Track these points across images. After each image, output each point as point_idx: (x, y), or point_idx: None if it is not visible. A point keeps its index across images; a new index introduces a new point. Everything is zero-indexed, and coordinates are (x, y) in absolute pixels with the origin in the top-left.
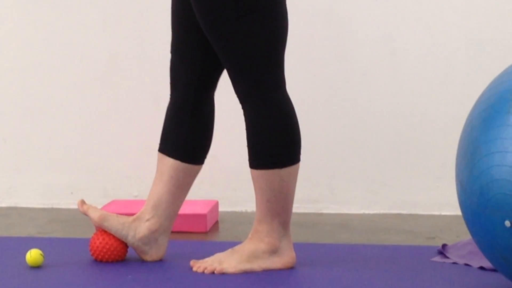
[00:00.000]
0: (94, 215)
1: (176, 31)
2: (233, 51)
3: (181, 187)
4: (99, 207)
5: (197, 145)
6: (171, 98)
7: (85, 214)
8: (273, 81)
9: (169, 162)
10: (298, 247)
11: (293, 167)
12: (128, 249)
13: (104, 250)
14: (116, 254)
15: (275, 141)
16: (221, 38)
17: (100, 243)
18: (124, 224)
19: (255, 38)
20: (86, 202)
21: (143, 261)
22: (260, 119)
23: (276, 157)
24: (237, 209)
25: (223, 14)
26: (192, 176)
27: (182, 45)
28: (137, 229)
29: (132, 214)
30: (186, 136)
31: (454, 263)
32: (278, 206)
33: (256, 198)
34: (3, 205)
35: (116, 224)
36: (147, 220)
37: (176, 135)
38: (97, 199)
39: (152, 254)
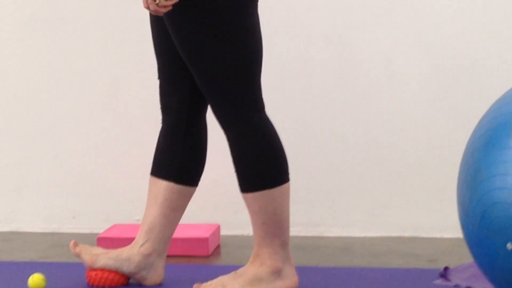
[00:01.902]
0: (86, 258)
1: (160, 57)
2: (208, 75)
3: (175, 209)
4: (101, 231)
5: (191, 166)
6: (163, 123)
7: (77, 256)
8: (251, 104)
9: (163, 184)
10: (300, 271)
11: (283, 187)
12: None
13: (103, 280)
14: (117, 282)
15: (260, 162)
16: (196, 62)
17: (96, 275)
18: (116, 258)
19: (228, 63)
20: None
21: (144, 287)
22: (243, 142)
23: (264, 178)
24: (239, 232)
25: (195, 42)
26: (186, 198)
27: (168, 71)
28: (131, 257)
29: (133, 239)
30: (180, 158)
31: (456, 286)
32: (274, 227)
33: (252, 222)
34: (5, 229)
35: (107, 261)
36: (141, 245)
37: (170, 157)
38: (99, 223)
39: (152, 278)
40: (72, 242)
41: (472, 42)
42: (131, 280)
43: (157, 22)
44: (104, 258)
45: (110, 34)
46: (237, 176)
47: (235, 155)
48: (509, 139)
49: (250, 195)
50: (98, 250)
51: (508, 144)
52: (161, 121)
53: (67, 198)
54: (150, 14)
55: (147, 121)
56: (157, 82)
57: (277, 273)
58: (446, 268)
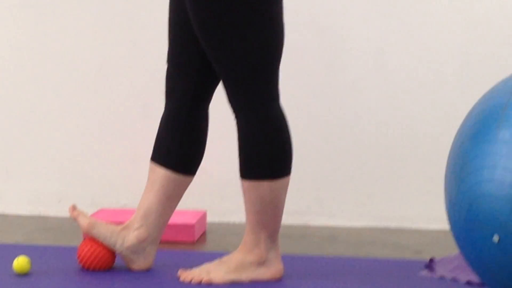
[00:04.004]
0: (83, 222)
1: (172, 41)
2: (229, 62)
3: (171, 197)
4: None
5: (189, 156)
6: (165, 108)
7: (75, 220)
8: (267, 93)
9: (161, 171)
10: (286, 259)
11: (283, 179)
12: (116, 258)
13: (92, 257)
14: (104, 262)
15: (266, 152)
16: (217, 48)
17: (88, 250)
18: (113, 232)
19: (251, 49)
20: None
21: (130, 270)
22: (253, 131)
23: (267, 168)
24: (225, 219)
25: (220, 25)
26: (183, 187)
27: (178, 55)
28: (126, 237)
29: (120, 223)
30: (179, 147)
31: (441, 277)
32: (267, 217)
33: (246, 209)
34: None
35: (104, 231)
36: (136, 229)
37: (169, 145)
38: (85, 207)
39: (140, 263)
40: (71, 206)
41: (462, 34)
42: (117, 263)
43: (177, 6)
44: (102, 227)
45: (99, 18)
46: (240, 162)
47: (242, 141)
48: (497, 131)
49: (249, 183)
50: (95, 219)
51: (496, 137)
52: (164, 106)
53: (53, 181)
54: None
55: (134, 106)
56: (147, 65)
57: (261, 262)
58: (431, 260)
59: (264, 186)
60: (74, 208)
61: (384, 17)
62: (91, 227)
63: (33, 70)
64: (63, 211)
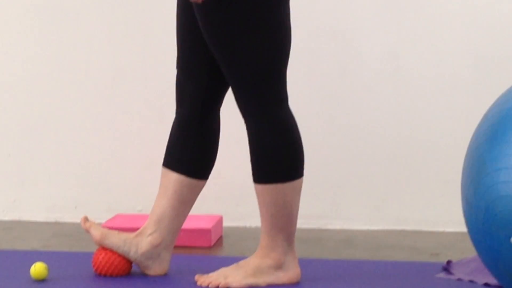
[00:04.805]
0: (96, 233)
1: (181, 47)
2: (237, 66)
3: (184, 202)
4: (103, 221)
5: (202, 160)
6: (176, 114)
7: (87, 231)
8: (275, 97)
9: (174, 176)
10: (302, 263)
11: (296, 182)
12: (132, 264)
13: (108, 265)
14: (120, 269)
15: (277, 156)
16: (225, 52)
17: (103, 258)
18: (126, 241)
19: (259, 53)
20: (90, 217)
21: (146, 276)
22: (262, 134)
23: (279, 171)
24: (241, 224)
25: (228, 29)
26: (196, 192)
27: (187, 60)
28: (139, 244)
29: (135, 229)
30: (192, 151)
31: (459, 279)
32: (282, 220)
33: (261, 213)
34: (7, 218)
35: (117, 241)
36: (150, 234)
37: (182, 150)
38: (101, 213)
39: (155, 268)
40: (82, 217)
41: (476, 37)
42: (134, 269)
43: (184, 11)
44: (115, 237)
45: (113, 26)
46: (252, 166)
47: (253, 145)
48: None
49: (263, 186)
50: (107, 230)
51: None
52: (175, 112)
53: (70, 188)
54: (178, 2)
55: (149, 112)
56: (161, 72)
57: (279, 265)
58: (449, 262)
59: (277, 189)
60: (86, 219)
61: (397, 20)
62: (104, 238)
63: (48, 78)
64: (79, 217)
